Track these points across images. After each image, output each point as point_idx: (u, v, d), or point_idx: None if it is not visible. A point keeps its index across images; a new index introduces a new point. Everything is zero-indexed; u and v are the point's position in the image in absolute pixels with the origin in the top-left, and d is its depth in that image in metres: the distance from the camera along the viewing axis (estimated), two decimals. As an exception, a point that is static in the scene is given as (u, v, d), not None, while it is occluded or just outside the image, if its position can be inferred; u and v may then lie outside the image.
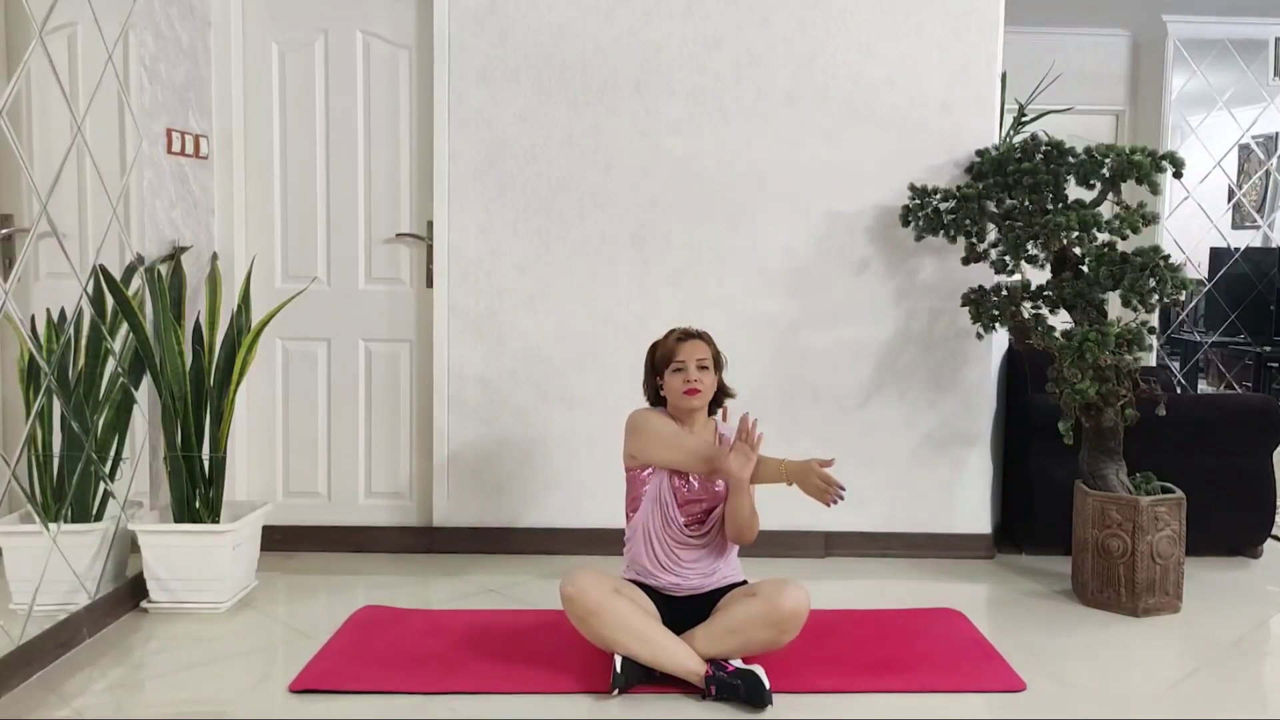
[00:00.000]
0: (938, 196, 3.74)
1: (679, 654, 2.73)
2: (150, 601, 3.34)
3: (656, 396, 3.04)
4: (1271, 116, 7.01)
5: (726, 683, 2.67)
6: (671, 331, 3.02)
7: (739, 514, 2.86)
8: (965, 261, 3.74)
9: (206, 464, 3.41)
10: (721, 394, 3.05)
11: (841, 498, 2.80)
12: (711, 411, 3.06)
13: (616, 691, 2.69)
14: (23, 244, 2.92)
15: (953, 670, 2.92)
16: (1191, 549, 3.52)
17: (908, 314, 3.97)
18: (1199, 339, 7.34)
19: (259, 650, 3.08)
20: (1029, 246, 3.60)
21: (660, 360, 2.98)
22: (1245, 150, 7.21)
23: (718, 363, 3.00)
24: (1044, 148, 3.62)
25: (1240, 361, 7.18)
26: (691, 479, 2.93)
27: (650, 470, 2.95)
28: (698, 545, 2.93)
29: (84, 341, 3.14)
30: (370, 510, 4.07)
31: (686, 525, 2.92)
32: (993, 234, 3.71)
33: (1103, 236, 3.46)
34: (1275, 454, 4.05)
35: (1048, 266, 3.63)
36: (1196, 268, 7.07)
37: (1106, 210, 3.51)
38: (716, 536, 2.96)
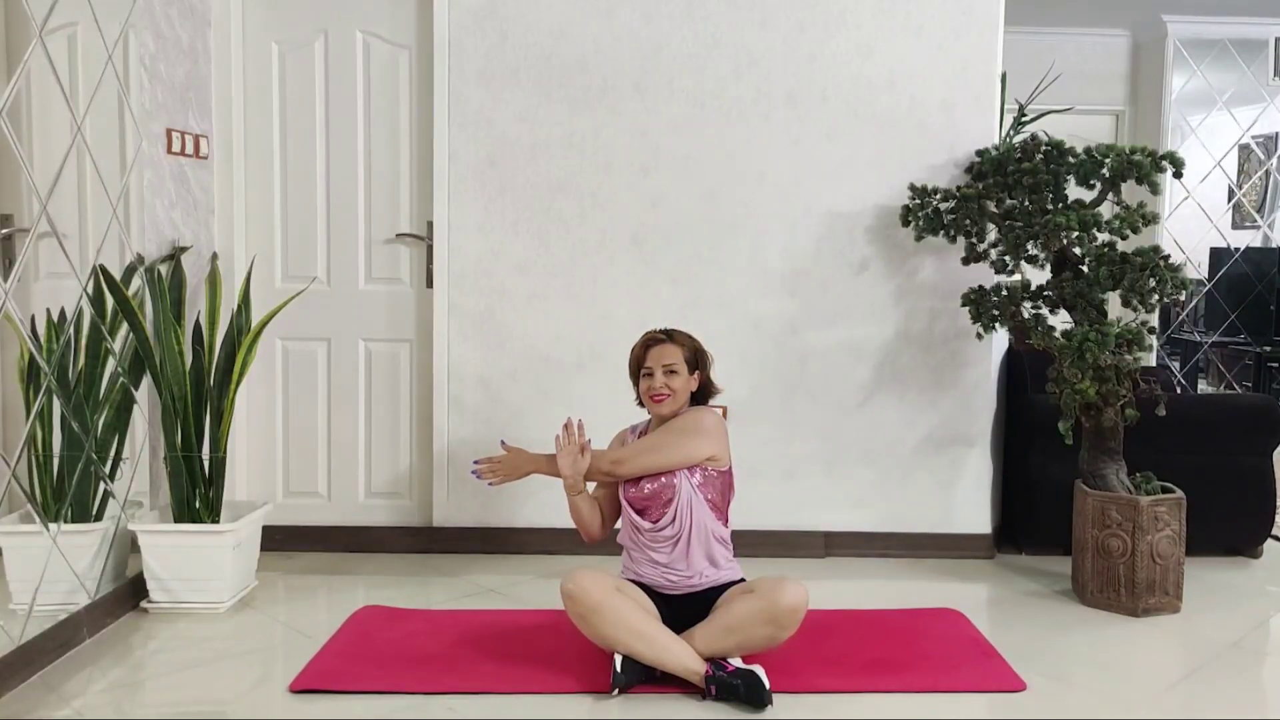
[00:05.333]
0: (938, 196, 3.74)
1: (679, 653, 2.73)
2: (150, 601, 3.34)
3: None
4: (1271, 116, 7.01)
5: (726, 682, 2.67)
6: (643, 335, 3.03)
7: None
8: (965, 261, 3.74)
9: (206, 464, 3.41)
10: (705, 392, 3.05)
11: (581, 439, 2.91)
12: (702, 403, 3.06)
13: (616, 691, 2.69)
14: (23, 244, 2.91)
15: (953, 670, 2.92)
16: (1191, 549, 3.51)
17: (908, 314, 3.97)
18: (1199, 339, 7.33)
19: (259, 650, 3.08)
20: (1029, 246, 3.60)
21: (631, 366, 3.03)
22: (1245, 150, 7.21)
23: (696, 362, 2.99)
24: (1044, 148, 3.62)
25: (1240, 361, 7.18)
26: (641, 484, 2.91)
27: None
28: (672, 539, 2.89)
29: (84, 341, 3.14)
30: (370, 510, 4.07)
31: (656, 525, 2.90)
32: (993, 234, 3.71)
33: (1103, 236, 3.46)
34: (1275, 454, 4.05)
35: (1048, 266, 3.63)
36: (1196, 268, 7.07)
37: (1106, 210, 3.51)
38: (687, 528, 2.88)
